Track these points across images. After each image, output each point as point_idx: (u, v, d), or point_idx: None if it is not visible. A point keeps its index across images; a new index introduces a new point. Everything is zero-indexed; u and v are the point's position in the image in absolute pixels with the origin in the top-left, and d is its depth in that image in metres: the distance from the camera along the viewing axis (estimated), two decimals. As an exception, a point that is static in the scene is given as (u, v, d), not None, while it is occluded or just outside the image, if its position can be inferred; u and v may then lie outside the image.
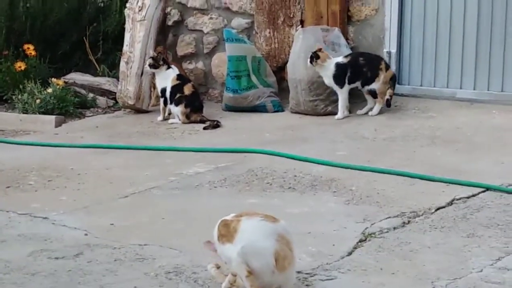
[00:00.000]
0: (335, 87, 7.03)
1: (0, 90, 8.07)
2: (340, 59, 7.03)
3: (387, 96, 7.00)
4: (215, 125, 6.99)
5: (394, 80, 7.09)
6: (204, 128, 6.96)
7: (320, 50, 6.97)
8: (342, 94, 7.02)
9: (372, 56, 7.16)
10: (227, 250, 3.55)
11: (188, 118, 7.15)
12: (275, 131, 6.74)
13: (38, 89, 7.60)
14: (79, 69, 8.51)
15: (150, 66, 7.28)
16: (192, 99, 7.20)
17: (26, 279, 3.87)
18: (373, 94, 7.04)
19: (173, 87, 7.22)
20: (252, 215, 3.60)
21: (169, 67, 7.32)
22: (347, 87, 7.02)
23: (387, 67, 7.08)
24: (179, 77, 7.31)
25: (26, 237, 4.44)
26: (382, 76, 6.99)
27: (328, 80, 7.02)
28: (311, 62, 6.96)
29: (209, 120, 7.10)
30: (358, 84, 7.06)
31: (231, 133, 6.77)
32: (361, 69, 7.02)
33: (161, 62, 7.28)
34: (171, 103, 7.22)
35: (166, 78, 7.28)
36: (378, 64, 7.03)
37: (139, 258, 4.10)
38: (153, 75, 7.46)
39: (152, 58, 7.32)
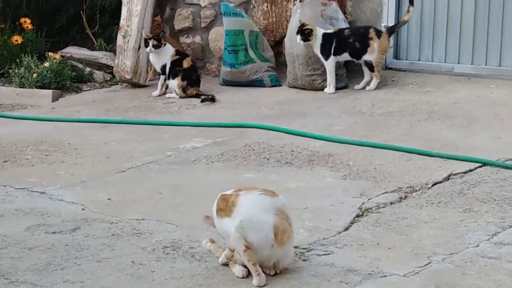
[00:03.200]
0: (321, 58, 7.01)
1: (-3, 64, 8.05)
2: (328, 30, 7.03)
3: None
4: (211, 98, 6.98)
5: (391, 33, 7.07)
6: (202, 101, 6.95)
7: (303, 25, 6.95)
8: (328, 66, 7.00)
9: (359, 27, 7.15)
10: (226, 225, 3.56)
11: (184, 92, 7.14)
12: (273, 106, 6.73)
13: (35, 63, 7.57)
14: (76, 43, 8.48)
15: (155, 47, 7.22)
16: (189, 73, 7.19)
17: (24, 254, 3.88)
18: (370, 67, 7.02)
19: (172, 62, 7.21)
20: (251, 190, 3.61)
21: (165, 44, 7.31)
22: (332, 58, 6.99)
23: (379, 34, 7.01)
24: (177, 52, 7.31)
25: (23, 211, 4.45)
26: (376, 44, 6.95)
27: (316, 50, 7.02)
28: (306, 40, 6.94)
29: (204, 95, 7.09)
30: (345, 56, 7.03)
31: (228, 108, 6.77)
32: (346, 40, 6.99)
33: (162, 41, 7.25)
34: (168, 77, 7.21)
35: (166, 55, 7.26)
36: (367, 33, 6.98)
37: (136, 232, 4.11)
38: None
39: (155, 38, 7.25)
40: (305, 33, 6.94)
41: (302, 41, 6.96)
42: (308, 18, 7.09)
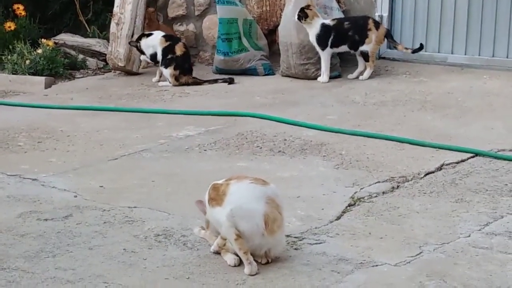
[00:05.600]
0: (317, 48, 7.00)
1: (-10, 51, 8.03)
2: (327, 21, 7.01)
3: (404, 50, 7.03)
4: (231, 80, 7.11)
5: (390, 36, 7.07)
6: (229, 83, 7.08)
7: (308, 7, 6.93)
8: (324, 56, 6.99)
9: (358, 18, 7.13)
10: (217, 213, 3.56)
11: (177, 80, 7.13)
12: (266, 95, 6.73)
13: (28, 50, 7.55)
14: (69, 30, 8.46)
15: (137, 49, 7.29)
16: (182, 61, 7.17)
17: (15, 241, 3.88)
18: (365, 56, 7.01)
19: (164, 49, 7.18)
20: (241, 179, 3.60)
21: (150, 35, 7.29)
22: (329, 50, 6.99)
23: (377, 25, 7.02)
24: (167, 38, 7.26)
25: (15, 198, 4.44)
26: (374, 36, 6.95)
27: (312, 38, 7.01)
28: (299, 19, 6.93)
29: (205, 81, 7.12)
30: (343, 48, 7.02)
31: (222, 96, 6.76)
32: (346, 33, 6.98)
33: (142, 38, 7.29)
34: (161, 64, 7.19)
35: (153, 43, 7.23)
36: (366, 24, 6.98)
37: (129, 220, 4.11)
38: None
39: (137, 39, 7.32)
40: (300, 14, 6.91)
41: (296, 19, 6.94)
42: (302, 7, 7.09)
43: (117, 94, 6.91)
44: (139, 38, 7.29)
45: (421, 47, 7.09)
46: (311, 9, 6.93)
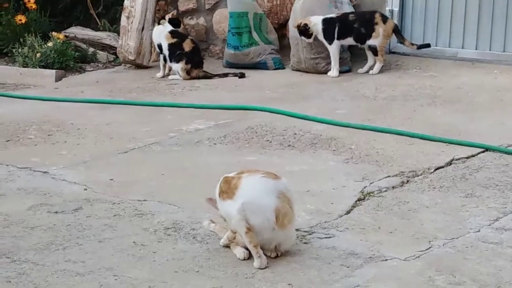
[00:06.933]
0: (325, 43, 7.00)
1: (0, 44, 8.05)
2: (329, 15, 7.01)
3: (410, 46, 7.02)
4: (241, 75, 7.12)
5: (398, 31, 7.06)
6: (239, 77, 7.10)
7: (298, 26, 6.96)
8: (332, 50, 6.98)
9: (365, 12, 7.13)
10: (228, 207, 3.56)
11: (188, 74, 7.14)
12: (276, 89, 6.73)
13: (39, 43, 7.57)
14: (79, 23, 8.47)
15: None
16: (192, 55, 7.18)
17: (26, 233, 3.89)
18: (374, 51, 7.01)
19: (170, 45, 7.18)
20: (253, 172, 3.60)
21: (158, 23, 7.33)
22: (336, 42, 6.98)
23: (385, 19, 7.01)
24: (174, 34, 7.25)
25: (25, 191, 4.46)
26: (381, 30, 6.94)
27: (320, 37, 7.01)
28: (309, 37, 6.95)
29: (215, 75, 7.14)
30: (349, 41, 7.02)
31: (232, 90, 6.76)
32: (351, 24, 6.97)
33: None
34: (171, 61, 7.19)
35: (160, 34, 7.25)
36: (372, 18, 6.97)
37: (138, 213, 4.12)
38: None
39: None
40: (304, 30, 6.94)
41: (310, 39, 6.96)
42: (314, 1, 7.08)
43: (127, 88, 6.92)
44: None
45: (428, 45, 7.09)
46: (300, 22, 6.93)
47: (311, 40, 6.98)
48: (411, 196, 4.32)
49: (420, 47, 7.08)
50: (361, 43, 7.03)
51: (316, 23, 6.96)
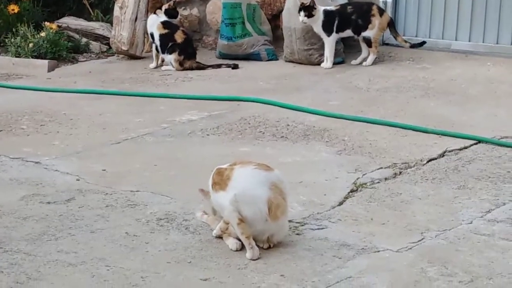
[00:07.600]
0: (323, 35, 6.98)
1: (-7, 33, 8.03)
2: (329, 7, 7.00)
3: (403, 43, 7.01)
4: (234, 66, 7.12)
5: (393, 25, 7.06)
6: (233, 68, 7.10)
7: (302, 3, 6.92)
8: (329, 42, 6.97)
9: (362, 4, 7.11)
10: (220, 198, 3.56)
11: (181, 65, 7.13)
12: (269, 80, 6.73)
13: (31, 33, 7.55)
14: (72, 13, 8.45)
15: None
16: (185, 46, 7.16)
17: (18, 223, 3.89)
18: (368, 42, 7.00)
19: (162, 36, 7.17)
20: (246, 164, 3.61)
21: (154, 12, 7.31)
22: (334, 35, 6.97)
23: (381, 12, 7.01)
24: (166, 25, 7.22)
25: (18, 181, 4.45)
26: (377, 22, 6.94)
27: (317, 28, 6.99)
28: (308, 16, 6.89)
29: (209, 66, 7.13)
30: (348, 33, 7.01)
31: (225, 81, 6.75)
32: (349, 17, 6.96)
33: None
34: (163, 52, 7.18)
35: (153, 24, 7.24)
36: (369, 10, 6.97)
37: (131, 204, 4.12)
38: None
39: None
40: (308, 8, 6.88)
41: (306, 17, 6.90)
42: (306, -9, 7.08)
43: (120, 78, 6.91)
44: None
45: (422, 43, 7.08)
46: (307, 4, 6.90)
47: (306, 19, 6.90)
48: (403, 188, 4.33)
49: (413, 46, 7.06)
50: (358, 35, 7.03)
51: (319, 12, 6.93)
